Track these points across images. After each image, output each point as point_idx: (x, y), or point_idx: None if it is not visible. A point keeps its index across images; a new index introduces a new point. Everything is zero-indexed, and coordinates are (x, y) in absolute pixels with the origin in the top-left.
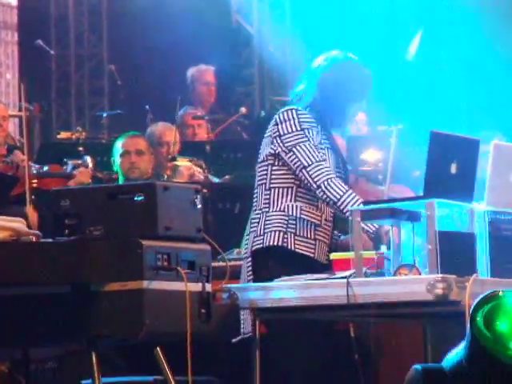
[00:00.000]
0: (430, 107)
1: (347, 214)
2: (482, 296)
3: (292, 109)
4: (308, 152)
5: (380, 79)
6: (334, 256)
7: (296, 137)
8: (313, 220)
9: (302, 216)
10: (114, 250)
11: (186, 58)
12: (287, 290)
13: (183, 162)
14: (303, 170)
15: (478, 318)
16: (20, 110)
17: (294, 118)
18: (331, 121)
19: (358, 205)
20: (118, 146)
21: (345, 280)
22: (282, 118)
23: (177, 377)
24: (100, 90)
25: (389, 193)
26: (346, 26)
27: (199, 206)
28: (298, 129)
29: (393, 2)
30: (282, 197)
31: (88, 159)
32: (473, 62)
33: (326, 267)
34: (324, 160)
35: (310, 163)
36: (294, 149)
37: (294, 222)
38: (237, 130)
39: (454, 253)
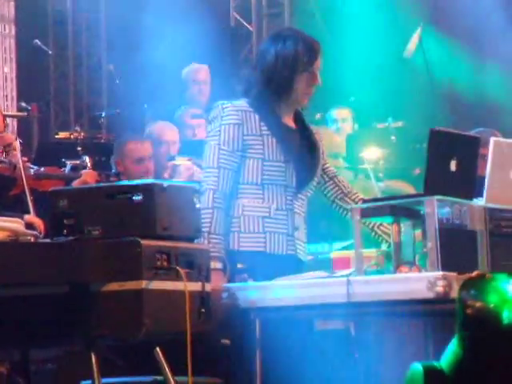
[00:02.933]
0: (431, 104)
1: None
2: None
3: (220, 104)
4: (210, 154)
5: (380, 76)
6: (334, 254)
7: (211, 135)
8: (259, 214)
9: (245, 213)
10: (112, 249)
11: (184, 57)
12: (287, 289)
13: (182, 162)
14: (202, 170)
15: (464, 291)
16: (18, 110)
17: (218, 114)
18: (276, 100)
19: (206, 227)
20: (128, 150)
21: (345, 278)
22: (211, 116)
23: (176, 377)
24: (98, 90)
25: (389, 189)
26: (345, 23)
27: (198, 206)
28: (217, 126)
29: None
30: (229, 197)
31: (87, 159)
32: (473, 59)
33: (286, 258)
34: (219, 168)
35: (205, 166)
36: (205, 146)
37: (238, 221)
38: None
39: (454, 250)
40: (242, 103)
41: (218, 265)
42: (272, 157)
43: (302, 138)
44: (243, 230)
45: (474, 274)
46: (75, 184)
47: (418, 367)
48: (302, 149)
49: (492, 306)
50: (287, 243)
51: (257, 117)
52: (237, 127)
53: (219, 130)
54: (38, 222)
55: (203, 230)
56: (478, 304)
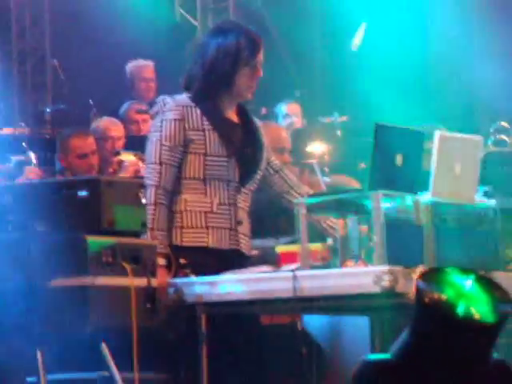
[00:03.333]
0: (376, 99)
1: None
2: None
3: (161, 99)
4: (152, 150)
5: (325, 71)
6: (280, 249)
7: (152, 131)
8: (201, 209)
9: (188, 208)
10: (58, 245)
11: (130, 53)
12: (234, 284)
13: (128, 157)
14: (145, 165)
15: (421, 282)
16: None
17: (159, 110)
18: (219, 94)
19: (151, 221)
20: (72, 146)
21: (291, 273)
22: (153, 112)
23: (122, 373)
24: (43, 85)
25: (335, 184)
26: (290, 18)
27: (144, 201)
28: (158, 121)
29: None
30: (171, 192)
31: (31, 155)
32: (416, 54)
33: (229, 253)
34: (161, 163)
35: (148, 162)
36: (147, 143)
37: (180, 216)
38: None
39: (400, 244)
40: (184, 98)
41: (162, 261)
42: (214, 151)
43: (245, 132)
44: (186, 225)
45: (431, 267)
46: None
47: (366, 360)
48: (245, 143)
49: (448, 298)
50: (230, 238)
51: (198, 111)
52: (178, 122)
53: (161, 126)
54: None
55: (148, 225)
56: (436, 295)
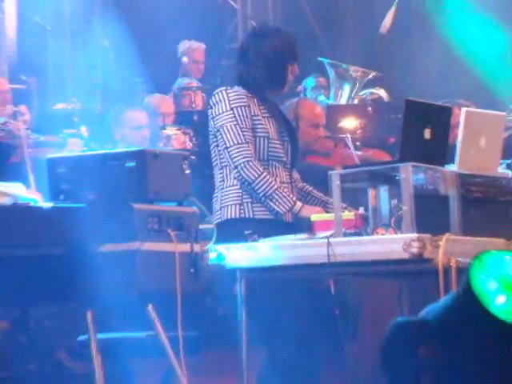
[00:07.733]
0: (406, 76)
1: (261, 194)
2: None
3: (222, 90)
4: (232, 133)
5: (356, 49)
6: (314, 218)
7: (224, 118)
8: None
9: None
10: (107, 213)
11: (174, 34)
12: (271, 250)
13: (172, 131)
14: (225, 151)
15: (475, 261)
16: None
17: (224, 99)
18: (271, 89)
19: (272, 187)
20: (127, 118)
21: (325, 240)
22: (214, 100)
23: (167, 333)
24: (94, 64)
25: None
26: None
27: (187, 172)
28: (228, 109)
29: None
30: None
31: (82, 128)
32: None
33: (291, 225)
34: (247, 142)
35: (232, 144)
36: (220, 129)
37: (249, 192)
38: None
39: (428, 213)
40: (241, 89)
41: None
42: (274, 136)
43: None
44: (255, 200)
45: (493, 250)
46: (64, 153)
47: (401, 321)
48: (288, 131)
49: (492, 286)
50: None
51: (255, 101)
52: (247, 108)
53: (232, 113)
54: (37, 196)
55: (268, 192)
56: (479, 279)
